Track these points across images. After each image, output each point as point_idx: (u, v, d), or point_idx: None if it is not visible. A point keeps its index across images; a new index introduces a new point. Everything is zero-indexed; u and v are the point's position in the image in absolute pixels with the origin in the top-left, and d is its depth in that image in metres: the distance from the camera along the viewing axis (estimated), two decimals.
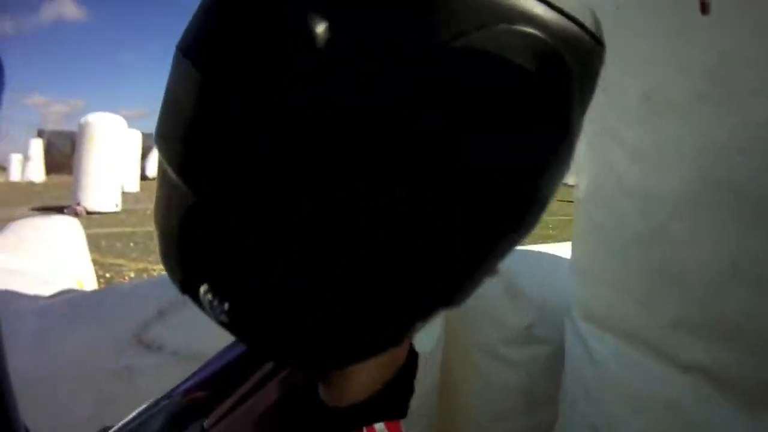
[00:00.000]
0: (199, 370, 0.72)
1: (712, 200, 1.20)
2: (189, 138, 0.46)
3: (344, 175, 0.41)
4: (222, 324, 0.49)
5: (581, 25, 0.43)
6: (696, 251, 1.24)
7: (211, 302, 0.48)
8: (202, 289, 0.48)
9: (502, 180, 0.43)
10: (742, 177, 1.15)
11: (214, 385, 0.70)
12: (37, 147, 31.70)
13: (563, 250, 1.85)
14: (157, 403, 0.70)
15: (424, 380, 1.76)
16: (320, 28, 0.40)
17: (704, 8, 1.19)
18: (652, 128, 1.34)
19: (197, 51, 0.46)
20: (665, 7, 1.30)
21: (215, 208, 0.45)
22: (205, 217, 0.46)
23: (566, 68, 0.43)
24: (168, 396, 0.71)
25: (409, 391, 0.61)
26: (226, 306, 0.47)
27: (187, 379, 0.73)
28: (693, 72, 1.24)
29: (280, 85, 0.40)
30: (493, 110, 0.41)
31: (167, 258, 0.54)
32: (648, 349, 1.36)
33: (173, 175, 0.48)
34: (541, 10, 0.41)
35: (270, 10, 0.42)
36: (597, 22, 0.45)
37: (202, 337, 1.63)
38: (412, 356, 0.61)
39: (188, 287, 0.51)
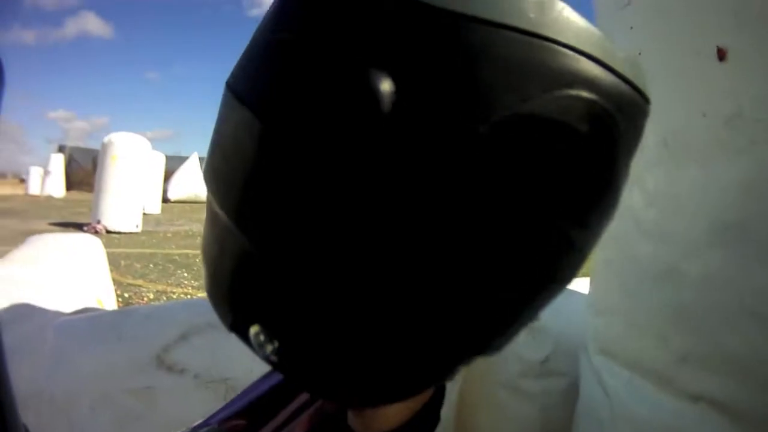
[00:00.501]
0: (236, 398, 0.74)
1: (722, 242, 1.23)
2: (247, 188, 0.48)
3: (400, 233, 0.43)
4: (269, 362, 0.51)
5: (632, 85, 0.46)
6: (706, 289, 1.27)
7: (261, 342, 0.50)
8: (253, 330, 0.50)
9: (547, 230, 0.45)
10: (754, 221, 1.18)
11: (251, 414, 0.72)
12: (57, 162, 31.80)
13: (581, 285, 1.87)
14: (194, 430, 0.72)
15: (442, 411, 1.79)
16: (386, 87, 0.41)
17: (721, 56, 1.22)
18: (669, 173, 1.37)
19: (258, 100, 0.48)
20: (685, 54, 1.32)
21: (272, 257, 0.47)
22: (261, 264, 0.48)
23: (616, 127, 0.45)
24: (205, 423, 0.72)
25: (435, 420, 0.64)
26: (276, 345, 0.49)
27: (224, 408, 0.74)
28: (711, 118, 1.26)
29: (345, 145, 0.42)
30: (549, 167, 0.43)
31: (217, 298, 0.55)
32: (659, 381, 1.39)
33: (227, 220, 0.50)
34: (597, 73, 0.44)
35: (334, 62, 0.44)
36: (644, 76, 0.48)
37: (224, 361, 1.66)
38: (440, 387, 0.63)
39: (238, 327, 0.53)
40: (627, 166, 0.49)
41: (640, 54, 1.41)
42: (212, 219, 0.53)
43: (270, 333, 0.50)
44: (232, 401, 0.74)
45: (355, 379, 0.51)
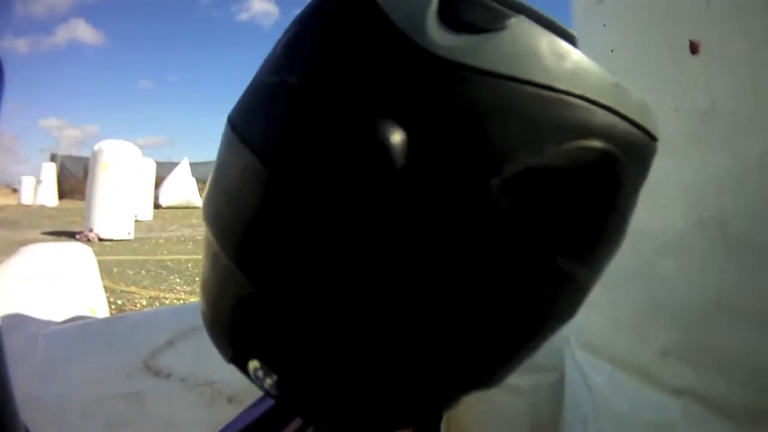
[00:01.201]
0: (230, 424, 0.74)
1: (699, 237, 1.25)
2: (250, 233, 0.48)
3: (407, 279, 0.43)
4: (268, 394, 0.52)
5: (643, 129, 0.46)
6: (682, 284, 1.29)
7: (261, 377, 0.50)
8: (252, 364, 0.51)
9: (553, 273, 0.45)
10: (729, 215, 1.20)
11: None
12: (49, 171, 31.60)
13: None
14: None
15: None
16: (397, 139, 0.41)
17: (694, 49, 1.23)
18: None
19: (264, 147, 0.47)
20: (658, 49, 1.34)
21: (274, 299, 0.48)
22: (262, 305, 0.48)
23: (624, 171, 0.46)
24: None
25: None
26: (275, 378, 0.50)
27: None
28: (685, 112, 1.28)
29: (353, 196, 0.42)
30: (557, 214, 0.44)
31: (217, 333, 0.55)
32: (641, 375, 1.41)
33: (228, 262, 0.49)
34: (610, 121, 0.44)
35: (343, 110, 0.43)
36: (654, 115, 0.48)
37: (210, 365, 1.67)
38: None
39: (237, 361, 0.53)
40: (634, 202, 0.49)
41: (612, 51, 1.43)
42: (212, 258, 0.53)
43: (269, 367, 0.50)
44: (226, 426, 0.74)
45: (355, 409, 0.51)
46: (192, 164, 32.08)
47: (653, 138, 0.48)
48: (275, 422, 0.70)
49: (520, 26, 0.43)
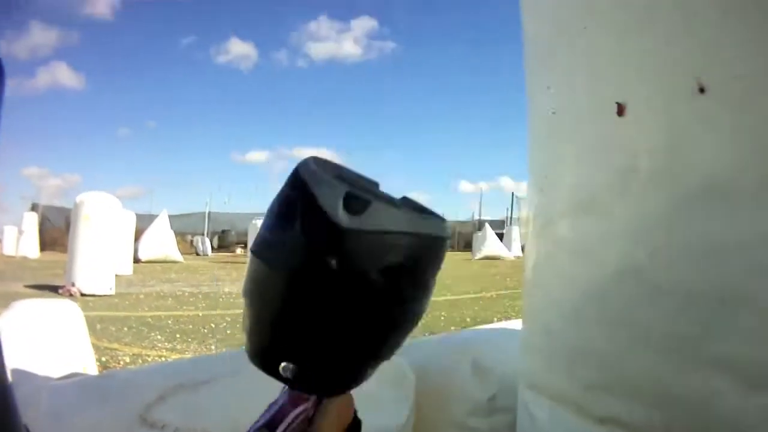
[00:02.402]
0: None
1: (617, 286, 1.43)
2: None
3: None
4: (281, 379, 0.81)
5: (430, 236, 0.78)
6: (603, 327, 1.47)
7: (284, 368, 0.80)
8: (282, 364, 0.80)
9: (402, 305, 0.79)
10: (644, 265, 1.36)
11: None
12: (31, 221, 31.20)
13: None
14: None
15: None
16: (333, 261, 0.73)
17: (620, 111, 1.39)
18: (575, 221, 1.59)
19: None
20: (591, 110, 1.54)
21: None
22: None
23: (424, 262, 0.79)
24: None
25: None
26: (295, 368, 0.79)
27: None
28: (612, 171, 1.46)
29: (323, 288, 0.75)
30: (390, 271, 0.75)
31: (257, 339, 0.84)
32: (573, 407, 1.57)
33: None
34: (407, 240, 0.75)
35: (299, 254, 0.76)
36: (441, 222, 0.79)
37: (198, 414, 1.84)
38: (356, 420, 0.90)
39: (269, 364, 0.81)
40: (434, 275, 0.81)
41: (554, 113, 1.64)
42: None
43: (293, 363, 0.79)
44: None
45: (337, 378, 0.83)
46: (171, 216, 31.89)
47: (442, 238, 0.79)
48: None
49: (372, 208, 0.74)
